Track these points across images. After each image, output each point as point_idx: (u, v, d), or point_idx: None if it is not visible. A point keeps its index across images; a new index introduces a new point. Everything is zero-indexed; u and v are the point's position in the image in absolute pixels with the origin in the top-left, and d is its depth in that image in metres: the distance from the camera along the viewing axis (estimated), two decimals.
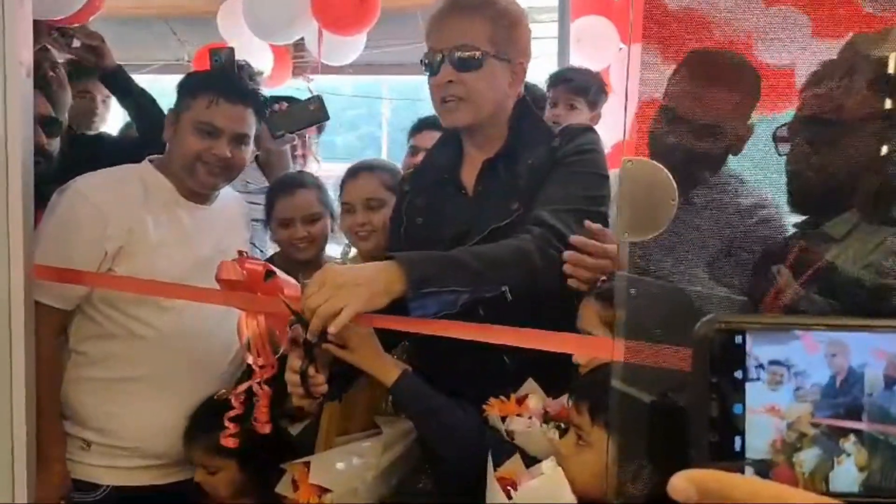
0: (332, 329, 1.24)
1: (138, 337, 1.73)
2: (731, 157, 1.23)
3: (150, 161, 1.84)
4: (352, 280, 1.27)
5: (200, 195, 1.83)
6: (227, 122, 1.76)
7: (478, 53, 1.47)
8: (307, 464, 1.52)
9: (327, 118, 2.40)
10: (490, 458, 1.27)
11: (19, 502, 1.40)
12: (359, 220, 1.88)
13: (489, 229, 1.46)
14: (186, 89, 1.82)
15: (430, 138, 1.88)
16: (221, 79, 1.87)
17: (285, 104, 2.47)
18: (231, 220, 1.92)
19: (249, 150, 1.87)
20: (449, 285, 1.31)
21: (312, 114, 2.36)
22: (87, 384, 1.75)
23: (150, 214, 1.75)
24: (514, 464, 1.25)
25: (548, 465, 1.20)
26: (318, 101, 2.40)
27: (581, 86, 2.62)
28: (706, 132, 1.12)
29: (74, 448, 1.75)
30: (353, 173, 1.96)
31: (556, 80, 2.63)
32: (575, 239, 1.32)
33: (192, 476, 1.82)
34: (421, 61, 1.55)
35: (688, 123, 1.10)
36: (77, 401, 1.75)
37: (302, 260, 2.09)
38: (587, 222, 1.36)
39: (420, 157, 2.02)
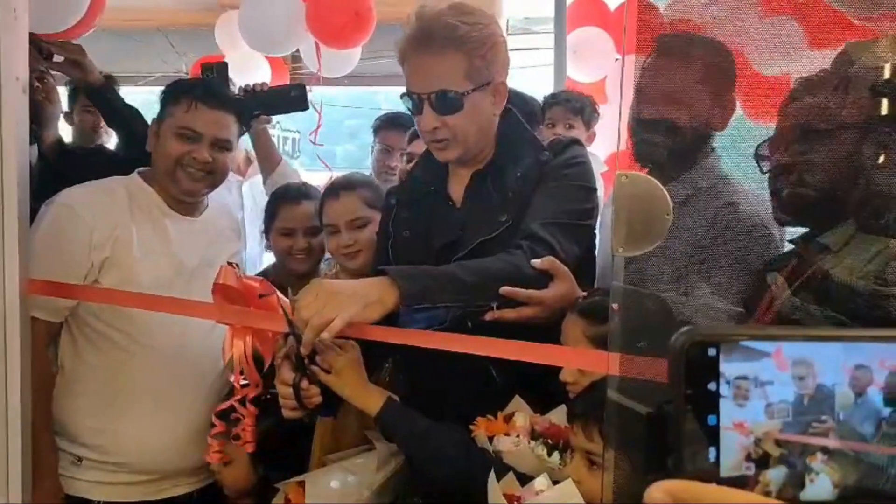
0: (325, 335, 1.23)
1: (125, 351, 1.72)
2: (727, 162, 1.23)
3: (139, 173, 1.84)
4: (345, 291, 1.26)
5: (188, 206, 1.83)
6: (206, 126, 1.76)
7: (458, 96, 1.44)
8: (301, 483, 1.51)
9: (307, 108, 2.37)
10: (493, 474, 1.26)
11: (14, 502, 1.40)
12: (345, 240, 1.85)
13: (478, 241, 1.46)
14: (167, 97, 1.82)
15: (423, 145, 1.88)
16: (200, 84, 1.87)
17: (266, 85, 2.46)
18: (220, 232, 1.91)
19: (231, 156, 1.86)
20: (441, 300, 1.31)
21: (292, 100, 2.34)
22: (75, 399, 1.74)
23: (135, 225, 1.74)
24: (509, 481, 1.25)
25: (541, 482, 1.20)
26: (300, 89, 2.36)
27: (577, 106, 2.71)
28: (683, 107, 1.13)
29: (66, 463, 1.73)
30: (334, 193, 1.90)
31: (553, 101, 2.70)
32: (505, 290, 1.31)
33: (185, 491, 1.80)
34: (402, 97, 1.53)
35: (664, 102, 1.11)
36: (66, 416, 1.74)
37: (298, 272, 2.08)
38: (534, 260, 1.35)
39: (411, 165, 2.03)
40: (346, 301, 1.24)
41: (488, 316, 1.33)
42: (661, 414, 0.91)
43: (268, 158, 2.61)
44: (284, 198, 2.14)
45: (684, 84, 1.10)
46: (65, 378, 1.76)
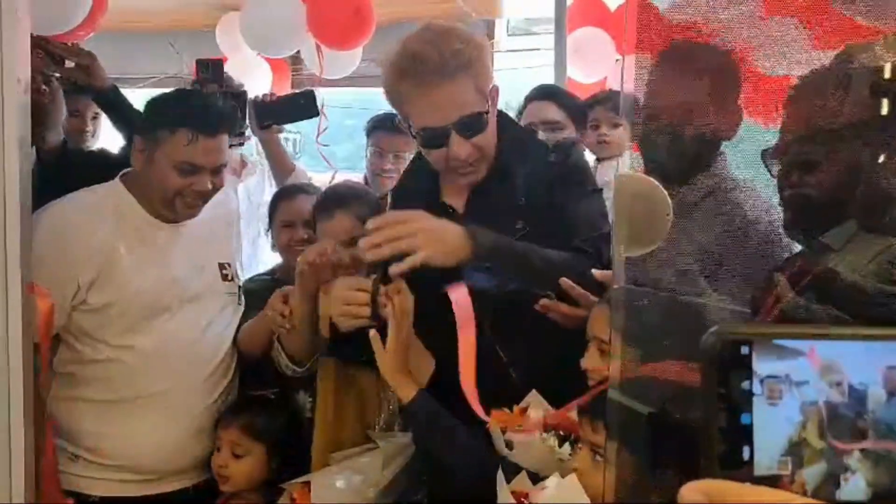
0: (395, 269, 1.28)
1: (120, 361, 1.73)
2: (736, 165, 1.23)
3: (123, 178, 1.81)
4: (437, 230, 1.31)
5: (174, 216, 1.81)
6: (207, 158, 1.73)
7: (482, 114, 1.44)
8: (307, 483, 1.50)
9: (317, 114, 2.40)
10: (501, 473, 1.26)
11: (17, 502, 1.41)
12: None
13: None
14: (162, 121, 1.74)
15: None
16: (196, 113, 1.76)
17: (275, 95, 2.48)
18: (211, 233, 1.89)
19: (227, 172, 1.86)
20: (506, 268, 1.35)
21: (302, 108, 2.37)
22: (72, 404, 1.75)
23: (122, 239, 1.73)
24: (521, 480, 1.25)
25: (553, 481, 1.20)
26: (309, 95, 2.39)
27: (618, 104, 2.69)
28: (690, 118, 1.13)
29: (63, 459, 1.73)
30: (328, 211, 1.83)
31: (595, 102, 2.67)
32: (565, 282, 1.32)
33: (184, 485, 1.82)
34: (412, 135, 1.50)
35: (672, 112, 1.11)
36: (64, 420, 1.74)
37: None
38: (595, 272, 1.35)
39: None
40: (433, 238, 1.29)
41: (542, 302, 1.35)
42: (662, 413, 0.91)
43: (281, 166, 2.63)
44: (283, 195, 2.24)
45: (690, 96, 1.10)
46: (60, 384, 1.75)
